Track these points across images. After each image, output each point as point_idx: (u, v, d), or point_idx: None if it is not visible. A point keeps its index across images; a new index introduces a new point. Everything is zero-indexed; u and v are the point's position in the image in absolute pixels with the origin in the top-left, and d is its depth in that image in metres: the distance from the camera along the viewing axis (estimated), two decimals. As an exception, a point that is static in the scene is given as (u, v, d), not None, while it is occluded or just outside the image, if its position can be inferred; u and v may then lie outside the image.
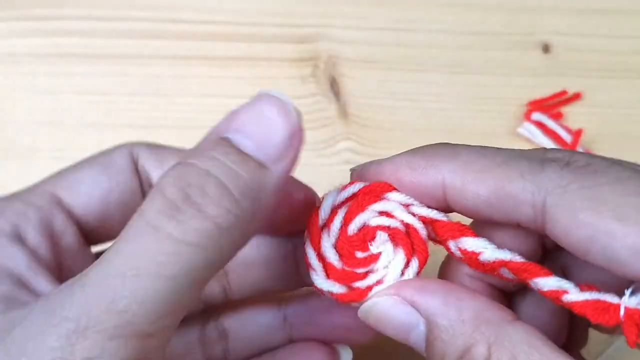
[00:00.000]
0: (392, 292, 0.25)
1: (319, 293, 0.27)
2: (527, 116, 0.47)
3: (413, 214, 0.26)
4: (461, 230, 0.25)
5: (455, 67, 0.48)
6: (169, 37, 0.47)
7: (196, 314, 0.31)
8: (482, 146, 0.25)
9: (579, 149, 0.46)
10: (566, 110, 0.48)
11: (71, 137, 0.44)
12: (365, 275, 0.26)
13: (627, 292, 0.22)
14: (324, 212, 0.27)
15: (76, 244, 0.29)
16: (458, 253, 0.26)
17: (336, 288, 0.26)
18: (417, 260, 0.26)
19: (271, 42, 0.48)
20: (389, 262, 0.26)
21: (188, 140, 0.44)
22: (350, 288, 0.26)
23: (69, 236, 0.28)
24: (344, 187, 0.27)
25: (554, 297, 0.24)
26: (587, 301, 0.23)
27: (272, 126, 0.23)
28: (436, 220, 0.26)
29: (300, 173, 0.29)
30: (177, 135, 0.45)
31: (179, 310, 0.22)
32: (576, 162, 0.23)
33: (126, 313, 0.20)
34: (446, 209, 0.26)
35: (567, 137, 0.46)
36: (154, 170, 0.30)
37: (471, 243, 0.25)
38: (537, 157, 0.24)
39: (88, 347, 0.20)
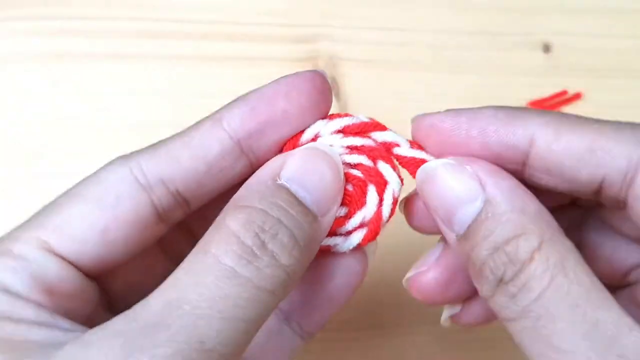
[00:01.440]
0: (463, 161, 0.25)
1: None
2: (527, 116, 0.47)
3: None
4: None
5: (455, 67, 0.48)
6: (169, 37, 0.47)
7: None
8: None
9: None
10: (567, 110, 0.48)
11: (71, 137, 0.44)
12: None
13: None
14: (305, 138, 0.27)
15: (78, 286, 0.26)
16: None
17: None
18: (365, 231, 0.27)
19: (271, 42, 0.48)
20: (342, 215, 0.27)
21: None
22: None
23: (67, 283, 0.25)
24: (332, 117, 0.27)
25: (387, 149, 0.27)
26: (413, 158, 0.27)
27: (326, 182, 0.25)
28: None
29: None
30: (177, 135, 0.45)
31: (244, 349, 0.23)
32: None
33: (213, 352, 0.21)
34: (522, 169, 0.26)
35: (567, 137, 0.46)
36: (161, 181, 0.26)
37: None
38: (629, 125, 0.25)
39: None
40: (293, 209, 0.24)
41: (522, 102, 0.47)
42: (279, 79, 0.27)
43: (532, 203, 0.24)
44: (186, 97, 0.46)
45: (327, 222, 0.25)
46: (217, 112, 0.27)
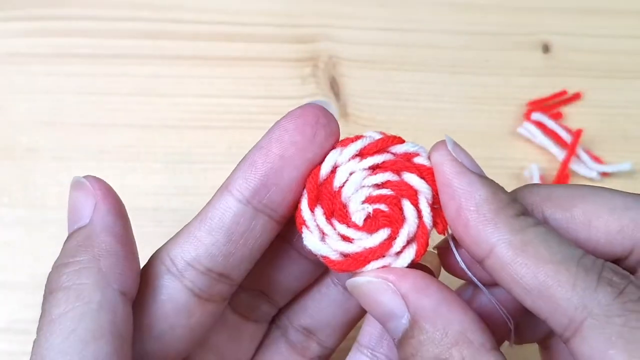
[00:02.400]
0: (389, 277, 0.25)
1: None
2: (527, 116, 0.47)
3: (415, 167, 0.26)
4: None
5: (455, 67, 0.48)
6: (169, 37, 0.47)
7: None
8: (547, 231, 0.24)
9: (579, 148, 0.46)
10: (566, 110, 0.48)
11: (71, 137, 0.44)
12: (361, 243, 0.26)
13: None
14: (324, 170, 0.26)
15: None
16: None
17: (331, 253, 0.26)
18: (415, 246, 0.26)
19: (271, 42, 0.48)
20: (386, 238, 0.26)
21: (188, 140, 0.45)
22: (346, 256, 0.26)
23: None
24: (345, 143, 0.26)
25: (408, 159, 0.26)
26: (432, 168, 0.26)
27: (73, 203, 0.27)
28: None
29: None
30: (177, 135, 0.45)
31: None
32: (630, 294, 0.22)
33: None
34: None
35: (567, 137, 0.46)
36: (188, 264, 0.27)
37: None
38: (595, 270, 0.23)
39: None
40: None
41: (522, 102, 0.47)
42: (271, 127, 0.26)
43: (455, 322, 0.24)
44: (186, 97, 0.46)
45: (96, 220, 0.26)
46: (225, 180, 0.27)
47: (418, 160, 0.26)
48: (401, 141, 0.27)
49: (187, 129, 0.45)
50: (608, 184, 0.45)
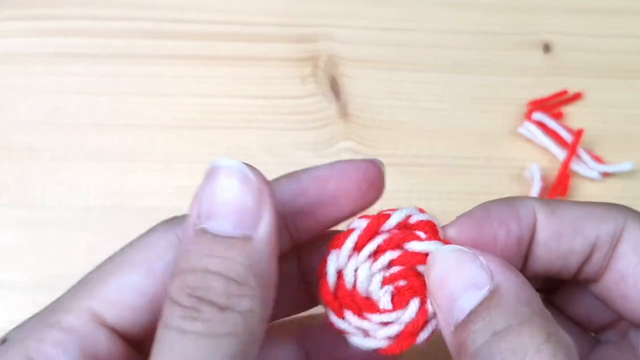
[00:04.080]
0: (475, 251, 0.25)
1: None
2: (527, 116, 0.47)
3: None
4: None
5: (455, 67, 0.48)
6: (169, 37, 0.47)
7: None
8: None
9: (580, 148, 0.45)
10: (567, 110, 0.48)
11: (71, 137, 0.44)
12: (402, 320, 0.26)
13: None
14: (332, 280, 0.26)
15: (124, 357, 0.26)
16: None
17: (382, 343, 0.26)
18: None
19: (271, 42, 0.48)
20: (419, 306, 0.26)
21: (188, 140, 0.45)
22: (395, 338, 0.26)
23: (115, 355, 0.25)
24: (339, 244, 0.26)
25: (402, 227, 0.26)
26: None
27: (237, 198, 0.23)
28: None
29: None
30: (177, 135, 0.45)
31: None
32: None
33: None
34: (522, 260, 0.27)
35: (568, 137, 0.46)
36: None
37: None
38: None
39: None
40: (214, 251, 0.23)
41: (523, 102, 0.47)
42: (334, 162, 0.27)
43: (537, 300, 0.24)
44: (186, 97, 0.46)
45: (264, 231, 0.23)
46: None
47: (413, 220, 0.26)
48: (387, 216, 0.26)
49: (187, 129, 0.45)
50: (609, 183, 0.45)
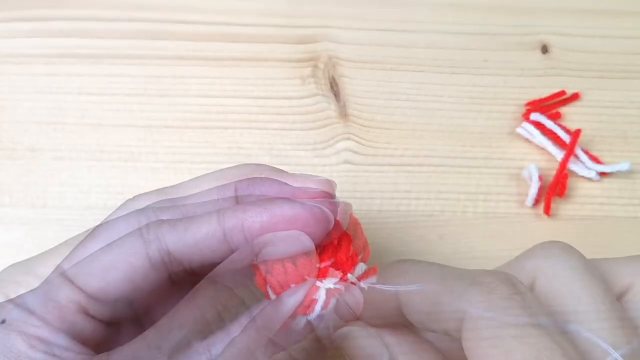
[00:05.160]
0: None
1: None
2: (525, 116, 0.47)
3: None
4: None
5: (455, 67, 0.48)
6: (169, 37, 0.48)
7: None
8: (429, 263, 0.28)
9: (578, 148, 0.46)
10: (565, 110, 0.48)
11: (71, 137, 0.44)
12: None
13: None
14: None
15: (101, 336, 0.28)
16: None
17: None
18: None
19: (271, 43, 0.48)
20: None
21: (188, 140, 0.45)
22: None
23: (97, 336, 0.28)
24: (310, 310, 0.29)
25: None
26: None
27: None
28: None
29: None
30: (177, 135, 0.45)
31: None
32: (500, 292, 0.25)
33: None
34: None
35: (566, 137, 0.46)
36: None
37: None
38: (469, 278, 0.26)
39: None
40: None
41: (521, 102, 0.47)
42: (301, 202, 0.28)
43: (426, 355, 0.27)
44: (186, 97, 0.46)
45: (291, 302, 0.27)
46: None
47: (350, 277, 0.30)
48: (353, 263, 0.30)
49: (187, 129, 0.45)
50: (607, 184, 0.46)
